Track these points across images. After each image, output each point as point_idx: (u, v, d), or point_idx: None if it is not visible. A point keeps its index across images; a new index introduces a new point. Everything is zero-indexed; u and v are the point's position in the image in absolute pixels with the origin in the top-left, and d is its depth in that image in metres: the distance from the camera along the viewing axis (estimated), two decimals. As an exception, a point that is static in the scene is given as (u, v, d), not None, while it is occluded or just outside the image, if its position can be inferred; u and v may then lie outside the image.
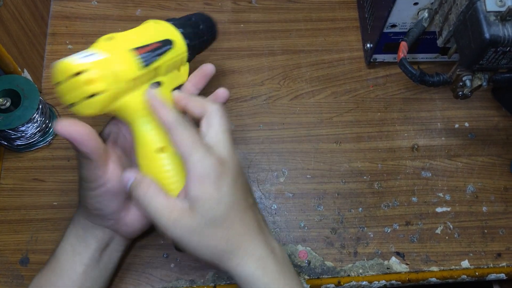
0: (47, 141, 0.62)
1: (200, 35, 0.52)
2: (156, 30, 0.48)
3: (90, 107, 0.41)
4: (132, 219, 0.49)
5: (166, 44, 0.46)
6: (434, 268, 0.58)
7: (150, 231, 0.54)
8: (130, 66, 0.43)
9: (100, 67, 0.40)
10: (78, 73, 0.40)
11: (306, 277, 0.57)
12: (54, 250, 0.50)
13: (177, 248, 0.49)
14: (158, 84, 0.46)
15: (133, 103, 0.44)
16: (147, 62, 0.44)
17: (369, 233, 0.59)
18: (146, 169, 0.46)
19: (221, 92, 0.51)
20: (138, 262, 0.57)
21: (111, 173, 0.45)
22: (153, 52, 0.45)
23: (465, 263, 0.58)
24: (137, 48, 0.44)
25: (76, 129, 0.41)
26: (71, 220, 0.50)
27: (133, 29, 0.47)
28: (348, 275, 0.57)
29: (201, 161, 0.41)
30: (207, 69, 0.52)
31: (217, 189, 0.41)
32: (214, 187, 0.41)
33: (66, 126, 0.41)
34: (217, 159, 0.41)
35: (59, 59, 0.68)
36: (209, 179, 0.41)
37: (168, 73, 0.47)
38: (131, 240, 0.54)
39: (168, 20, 0.50)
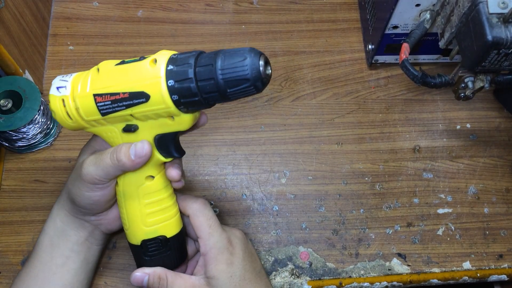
0: (49, 142, 0.62)
1: (202, 92, 0.40)
2: (138, 76, 0.41)
3: (63, 126, 0.46)
4: (113, 217, 0.51)
5: (137, 97, 0.41)
6: (436, 270, 0.58)
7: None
8: (88, 110, 0.43)
9: (56, 102, 0.45)
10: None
11: (308, 278, 0.57)
12: (34, 246, 0.50)
13: None
14: (133, 128, 0.44)
15: (110, 136, 0.46)
16: (103, 112, 0.43)
17: (371, 234, 0.59)
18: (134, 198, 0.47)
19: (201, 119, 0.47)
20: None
21: (114, 180, 0.46)
22: (114, 103, 0.42)
23: (466, 265, 0.58)
24: (99, 95, 0.42)
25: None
26: (49, 214, 0.51)
27: (122, 67, 0.43)
28: (350, 276, 0.57)
29: (216, 244, 0.47)
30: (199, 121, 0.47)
31: (229, 265, 0.47)
32: (227, 264, 0.47)
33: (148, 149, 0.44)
34: (228, 239, 0.48)
35: (60, 60, 0.69)
36: (222, 258, 0.47)
37: (149, 119, 0.43)
38: (109, 235, 0.55)
39: (172, 61, 0.41)
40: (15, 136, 0.59)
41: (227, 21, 0.71)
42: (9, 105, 0.58)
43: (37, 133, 0.60)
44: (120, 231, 0.55)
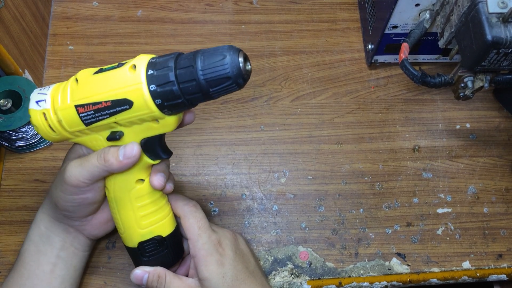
0: (48, 142, 0.62)
1: (185, 93, 0.40)
2: (119, 84, 0.41)
3: (46, 139, 0.46)
4: (97, 222, 0.51)
5: (120, 104, 0.41)
6: (435, 269, 0.58)
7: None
8: (71, 121, 0.43)
9: (37, 117, 0.44)
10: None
11: (307, 278, 0.57)
12: (18, 253, 0.50)
13: None
14: (119, 134, 0.44)
15: (95, 145, 0.45)
16: (87, 122, 0.43)
17: (370, 234, 0.59)
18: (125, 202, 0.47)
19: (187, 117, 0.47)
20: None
21: (98, 183, 0.46)
22: (96, 112, 0.42)
23: (466, 264, 0.58)
24: (81, 106, 0.42)
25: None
26: (33, 221, 0.51)
27: (101, 75, 0.42)
28: (349, 276, 0.57)
29: (205, 246, 0.48)
30: (185, 119, 0.47)
31: (220, 266, 0.48)
32: (218, 265, 0.48)
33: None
34: (217, 240, 0.49)
35: (60, 59, 0.69)
36: (212, 259, 0.48)
37: (134, 125, 0.43)
38: (94, 241, 0.54)
39: (151, 65, 0.40)
40: (15, 136, 0.59)
41: (227, 21, 0.71)
42: (9, 105, 0.58)
43: (37, 133, 0.60)
44: (104, 237, 0.55)
